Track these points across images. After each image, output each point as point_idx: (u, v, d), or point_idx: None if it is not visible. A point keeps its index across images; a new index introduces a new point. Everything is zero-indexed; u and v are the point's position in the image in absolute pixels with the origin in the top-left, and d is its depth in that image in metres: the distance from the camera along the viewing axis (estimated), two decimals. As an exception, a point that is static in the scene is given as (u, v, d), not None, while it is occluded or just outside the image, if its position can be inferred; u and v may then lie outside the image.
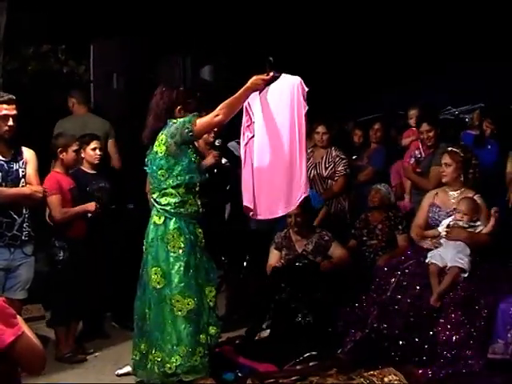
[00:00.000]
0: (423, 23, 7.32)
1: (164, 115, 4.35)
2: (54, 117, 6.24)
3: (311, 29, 7.67)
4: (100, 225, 5.30)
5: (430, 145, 5.81)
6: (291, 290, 5.11)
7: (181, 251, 4.23)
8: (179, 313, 4.19)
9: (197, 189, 4.36)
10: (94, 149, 5.51)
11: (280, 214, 4.63)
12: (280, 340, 4.94)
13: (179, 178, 4.25)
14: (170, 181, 4.26)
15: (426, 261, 4.65)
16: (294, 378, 4.31)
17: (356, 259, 5.62)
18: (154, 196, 4.37)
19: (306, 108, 4.38)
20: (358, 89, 7.81)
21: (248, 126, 4.60)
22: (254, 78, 4.27)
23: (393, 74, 7.58)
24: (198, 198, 4.38)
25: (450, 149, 4.94)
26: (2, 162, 4.53)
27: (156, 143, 4.32)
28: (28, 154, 4.70)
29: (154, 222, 4.32)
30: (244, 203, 4.58)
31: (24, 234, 4.60)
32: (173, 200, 4.26)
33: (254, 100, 4.53)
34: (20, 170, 4.58)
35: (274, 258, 5.54)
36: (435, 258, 4.61)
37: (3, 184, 4.51)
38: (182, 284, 4.21)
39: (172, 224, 4.25)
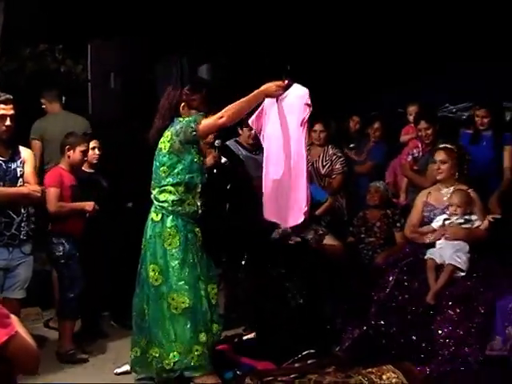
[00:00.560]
0: (423, 23, 7.30)
1: (169, 113, 4.39)
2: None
3: (311, 28, 7.66)
4: (98, 223, 5.31)
5: (427, 142, 5.81)
6: (284, 269, 5.11)
7: (177, 249, 4.24)
8: (175, 310, 4.21)
9: (198, 190, 4.36)
10: (94, 148, 5.55)
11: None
12: (267, 321, 4.95)
13: (179, 176, 4.27)
14: (170, 178, 4.28)
15: (425, 257, 4.66)
16: (292, 376, 4.31)
17: (354, 256, 5.64)
18: (154, 192, 4.38)
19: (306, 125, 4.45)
20: (357, 88, 7.80)
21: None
22: (270, 84, 4.28)
23: (393, 73, 7.57)
24: (199, 198, 4.38)
25: (444, 146, 4.95)
26: (0, 162, 4.54)
27: (161, 140, 4.35)
28: (26, 153, 4.72)
29: (152, 219, 4.33)
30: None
31: (22, 233, 4.61)
32: (171, 198, 4.27)
33: (271, 107, 4.55)
34: (18, 170, 4.59)
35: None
36: (434, 254, 4.62)
37: (1, 183, 4.52)
38: (178, 282, 4.22)
39: (169, 222, 4.26)
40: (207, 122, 4.24)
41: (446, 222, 4.71)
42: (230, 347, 4.96)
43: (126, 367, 4.77)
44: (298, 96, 4.46)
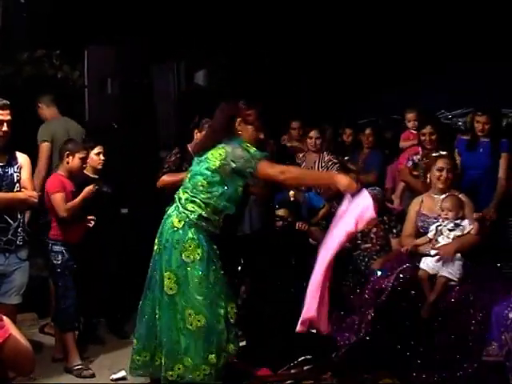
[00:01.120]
0: (423, 23, 7.34)
1: (224, 129, 4.19)
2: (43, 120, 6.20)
3: (311, 28, 7.69)
4: (97, 230, 5.33)
5: (429, 148, 5.78)
6: (270, 254, 5.10)
7: (198, 263, 4.03)
8: (190, 326, 4.01)
9: (222, 216, 4.19)
10: (98, 153, 5.55)
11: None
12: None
13: (215, 199, 4.08)
14: (206, 195, 4.08)
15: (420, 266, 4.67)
16: (288, 382, 4.33)
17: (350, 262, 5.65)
18: (183, 196, 4.15)
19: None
20: (357, 89, 7.83)
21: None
22: (345, 178, 4.06)
23: (393, 74, 7.60)
24: (222, 222, 4.20)
25: (445, 153, 4.97)
26: (-3, 167, 4.54)
27: (213, 151, 4.11)
28: (22, 158, 4.70)
29: (172, 224, 4.09)
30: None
31: (19, 238, 4.60)
32: (199, 211, 4.07)
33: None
34: (15, 175, 4.58)
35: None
36: (426, 265, 4.62)
37: (-2, 189, 4.51)
38: (197, 297, 4.01)
39: (191, 233, 4.05)
40: (268, 171, 4.05)
41: (439, 228, 4.70)
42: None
43: (122, 373, 4.76)
44: (361, 205, 4.00)
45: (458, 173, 5.22)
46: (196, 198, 4.08)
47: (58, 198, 4.93)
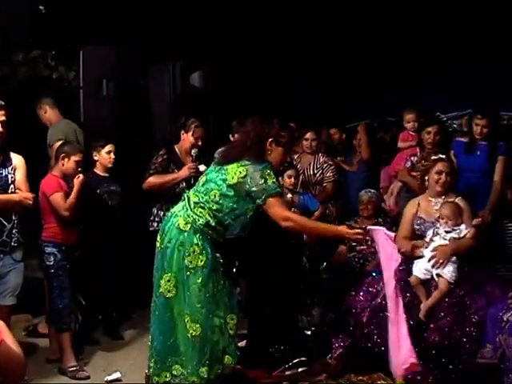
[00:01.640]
0: (423, 23, 7.34)
1: (255, 146, 4.04)
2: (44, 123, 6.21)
3: (310, 29, 7.70)
4: (92, 231, 5.34)
5: (430, 148, 5.67)
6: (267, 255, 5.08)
7: (198, 270, 3.91)
8: (185, 333, 3.90)
9: (227, 233, 4.07)
10: (109, 152, 5.60)
11: None
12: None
13: (223, 214, 3.98)
14: (215, 206, 3.98)
15: (413, 269, 4.65)
16: (283, 384, 4.33)
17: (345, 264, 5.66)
18: (193, 198, 4.05)
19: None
20: (356, 90, 7.84)
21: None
22: (350, 231, 4.05)
23: (392, 74, 7.61)
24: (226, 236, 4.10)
25: (443, 156, 4.96)
26: (-9, 168, 4.53)
27: (235, 165, 3.99)
28: (17, 160, 4.69)
29: (178, 225, 3.97)
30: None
31: (13, 240, 4.59)
32: (206, 218, 3.96)
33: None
34: (9, 176, 4.57)
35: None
36: (418, 269, 4.60)
37: (-8, 190, 4.50)
38: (196, 306, 3.90)
39: (196, 238, 3.94)
40: (274, 210, 3.97)
41: (435, 230, 4.70)
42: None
43: (117, 374, 4.77)
44: (385, 247, 4.22)
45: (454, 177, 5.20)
46: (206, 205, 3.98)
47: (57, 198, 4.92)
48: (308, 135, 6.41)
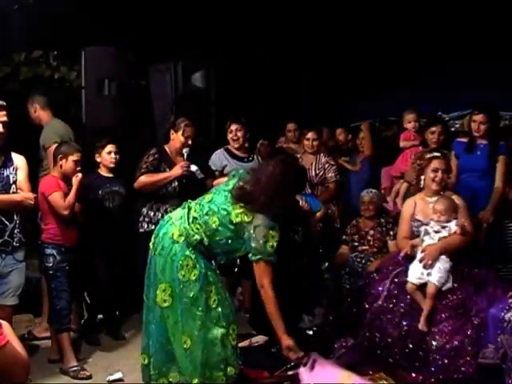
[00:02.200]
0: (423, 23, 7.35)
1: (276, 205, 3.85)
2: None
3: (310, 29, 7.71)
4: (92, 232, 5.34)
5: (434, 148, 5.73)
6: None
7: (191, 284, 3.84)
8: (178, 345, 3.87)
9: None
10: (110, 152, 5.59)
11: None
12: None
13: (215, 243, 3.91)
14: (210, 232, 3.90)
15: (408, 274, 4.62)
16: (285, 384, 4.32)
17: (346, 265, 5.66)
18: (193, 212, 3.96)
19: None
20: (357, 89, 7.85)
21: None
22: (290, 348, 3.98)
23: (393, 74, 7.61)
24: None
25: (438, 154, 4.94)
26: (-7, 168, 4.53)
27: (241, 206, 3.87)
28: (19, 160, 4.68)
29: (172, 236, 3.91)
30: None
31: (15, 240, 4.59)
32: (201, 237, 3.89)
33: None
34: (11, 176, 4.57)
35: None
36: (413, 275, 4.57)
37: (-6, 190, 4.50)
38: (188, 320, 3.84)
39: (188, 251, 3.88)
40: (259, 273, 3.86)
41: (426, 229, 4.67)
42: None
43: (119, 375, 4.76)
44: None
45: (455, 174, 5.20)
46: (203, 226, 3.90)
47: (56, 197, 4.92)
48: (309, 135, 6.41)
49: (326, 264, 5.95)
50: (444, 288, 4.49)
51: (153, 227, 4.20)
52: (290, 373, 4.62)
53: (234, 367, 4.00)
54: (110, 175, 5.65)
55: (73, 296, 5.11)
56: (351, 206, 6.50)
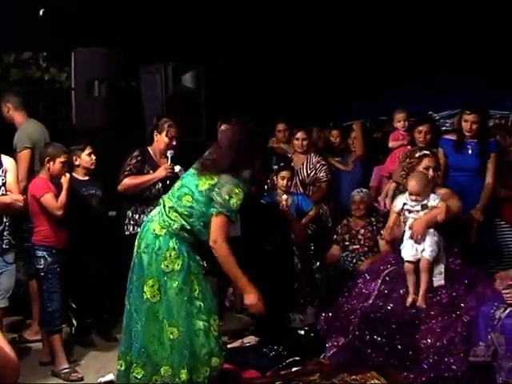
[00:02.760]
0: (420, 23, 7.36)
1: (242, 162, 3.95)
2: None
3: (310, 30, 7.73)
4: (86, 233, 5.33)
5: (422, 147, 5.72)
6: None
7: (175, 274, 3.84)
8: (165, 338, 3.86)
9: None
10: (90, 154, 5.55)
11: None
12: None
13: (193, 220, 3.89)
14: (188, 211, 3.90)
15: (402, 255, 4.65)
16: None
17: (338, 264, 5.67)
18: (167, 203, 3.98)
19: None
20: (349, 89, 7.85)
21: None
22: (256, 301, 3.96)
23: (384, 74, 7.63)
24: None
25: (428, 152, 4.95)
26: (-18, 171, 4.51)
27: (208, 176, 3.93)
28: (8, 162, 4.67)
29: (154, 231, 3.92)
30: None
31: (5, 242, 4.57)
32: (181, 222, 3.90)
33: None
34: (0, 179, 4.56)
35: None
36: (407, 252, 4.60)
37: (-17, 193, 4.48)
38: (173, 311, 3.84)
39: (172, 242, 3.87)
40: (216, 227, 3.84)
41: (405, 207, 4.67)
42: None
43: (110, 376, 4.74)
44: None
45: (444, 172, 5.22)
46: (179, 209, 3.92)
47: (48, 198, 4.90)
48: (299, 135, 6.42)
49: (318, 263, 5.98)
50: (436, 284, 4.52)
51: (138, 230, 4.18)
52: (281, 373, 4.64)
53: (219, 358, 3.97)
54: (86, 178, 5.59)
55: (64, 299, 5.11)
56: (342, 206, 6.50)
